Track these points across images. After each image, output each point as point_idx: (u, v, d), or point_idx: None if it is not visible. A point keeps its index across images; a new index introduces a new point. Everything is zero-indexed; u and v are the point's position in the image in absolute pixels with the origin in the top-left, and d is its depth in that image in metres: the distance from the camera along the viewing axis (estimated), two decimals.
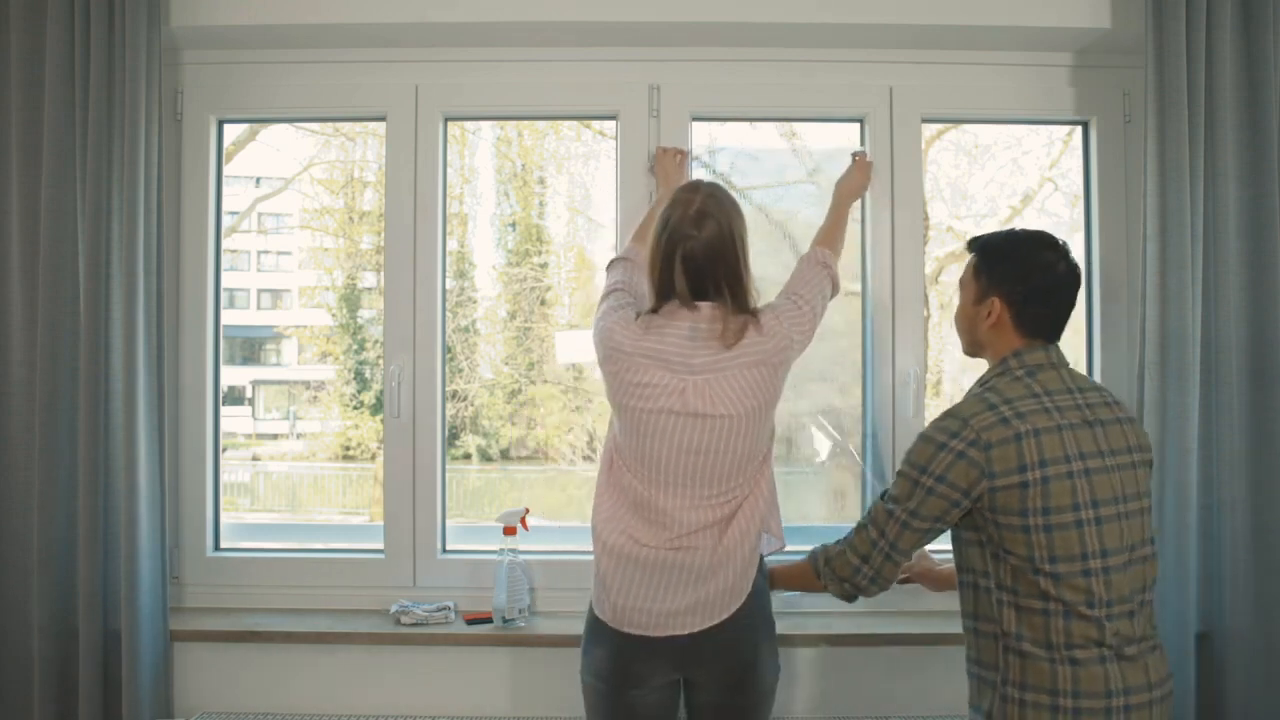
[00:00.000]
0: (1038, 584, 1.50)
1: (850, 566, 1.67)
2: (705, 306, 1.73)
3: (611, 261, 2.04)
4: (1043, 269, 1.61)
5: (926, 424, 1.66)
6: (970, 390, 1.66)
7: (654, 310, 1.75)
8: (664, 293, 1.74)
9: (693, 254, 1.70)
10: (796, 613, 2.29)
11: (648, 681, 1.75)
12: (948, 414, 1.59)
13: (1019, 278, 1.62)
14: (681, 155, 2.27)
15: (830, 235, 2.11)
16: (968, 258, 1.72)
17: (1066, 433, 1.53)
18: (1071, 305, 1.65)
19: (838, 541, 1.73)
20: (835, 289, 1.99)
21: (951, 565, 1.75)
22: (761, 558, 1.81)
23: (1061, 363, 1.64)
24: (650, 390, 1.71)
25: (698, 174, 2.37)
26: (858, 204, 2.38)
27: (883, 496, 1.66)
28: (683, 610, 1.71)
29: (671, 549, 1.71)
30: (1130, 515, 1.55)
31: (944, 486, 1.54)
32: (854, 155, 2.30)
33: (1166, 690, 1.55)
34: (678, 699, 1.83)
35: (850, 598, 1.72)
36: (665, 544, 1.71)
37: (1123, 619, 1.51)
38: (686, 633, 1.71)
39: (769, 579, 1.84)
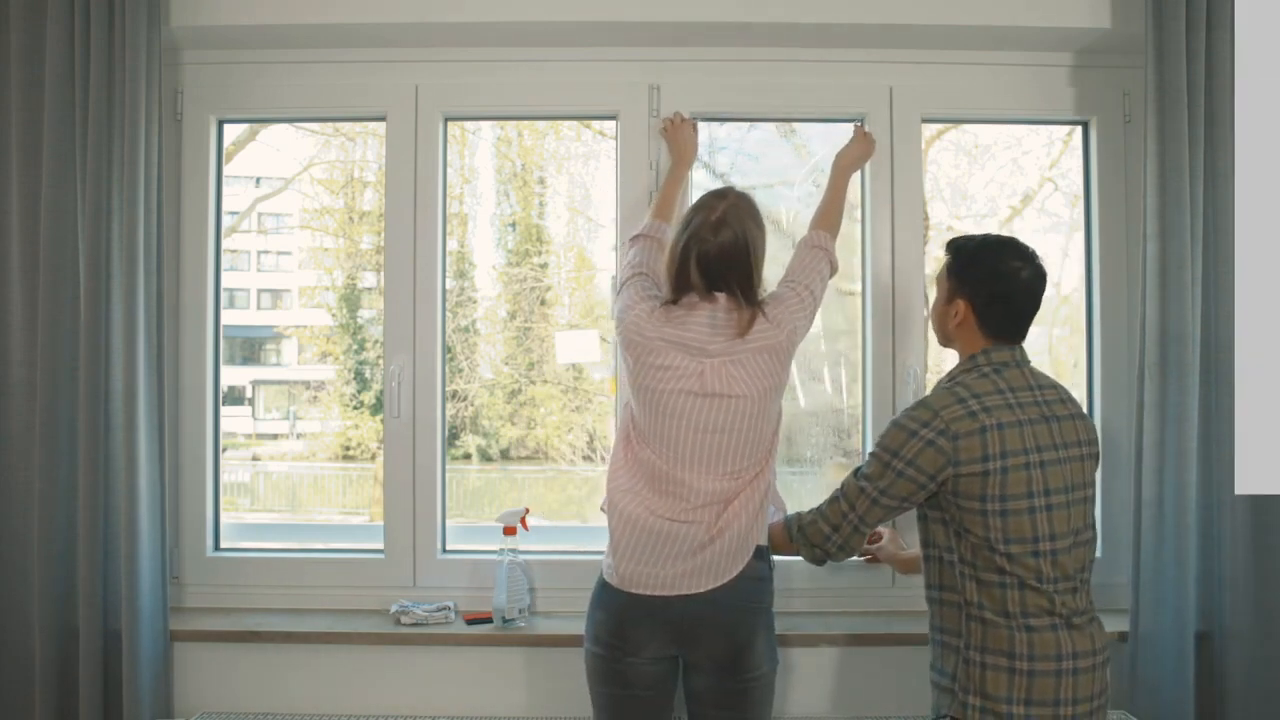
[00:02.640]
0: (994, 560, 1.65)
1: (821, 534, 1.82)
2: (721, 298, 1.85)
3: (633, 237, 2.11)
4: (1007, 276, 1.73)
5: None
6: (940, 383, 1.80)
7: (674, 301, 1.87)
8: (681, 286, 1.86)
9: (706, 255, 1.83)
10: (797, 613, 2.29)
11: (644, 650, 1.81)
12: (920, 404, 1.72)
13: (983, 283, 1.74)
14: (694, 125, 2.30)
15: (828, 214, 2.14)
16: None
17: (1026, 427, 1.67)
18: (1035, 307, 1.76)
19: (811, 510, 1.87)
20: (833, 269, 2.07)
21: (915, 551, 1.93)
22: (767, 549, 1.87)
23: (1024, 361, 1.77)
24: (670, 373, 1.82)
25: (697, 174, 2.38)
26: (857, 206, 2.39)
27: (856, 473, 1.79)
28: (689, 572, 1.80)
29: (682, 521, 1.80)
30: (1075, 503, 1.70)
31: (912, 470, 1.67)
32: (855, 126, 2.32)
33: (1107, 655, 1.70)
34: (674, 681, 1.87)
35: (819, 562, 1.86)
36: (678, 515, 1.81)
37: (1067, 594, 1.67)
38: (691, 592, 1.79)
39: None
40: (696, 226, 1.83)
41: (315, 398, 2.77)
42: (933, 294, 1.91)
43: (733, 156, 2.53)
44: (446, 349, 2.43)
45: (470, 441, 2.66)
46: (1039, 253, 1.76)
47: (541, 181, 2.67)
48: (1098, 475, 1.82)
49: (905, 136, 2.36)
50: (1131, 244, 2.33)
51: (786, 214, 2.53)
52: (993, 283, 1.73)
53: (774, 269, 1.99)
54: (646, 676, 1.83)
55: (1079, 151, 2.46)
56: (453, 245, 2.52)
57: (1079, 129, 2.46)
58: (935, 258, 2.43)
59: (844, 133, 2.33)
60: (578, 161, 2.64)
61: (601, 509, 1.92)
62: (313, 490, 2.81)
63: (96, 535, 2.11)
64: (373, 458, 2.68)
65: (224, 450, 2.48)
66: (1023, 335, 1.77)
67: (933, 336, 1.93)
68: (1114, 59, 2.36)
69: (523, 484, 2.71)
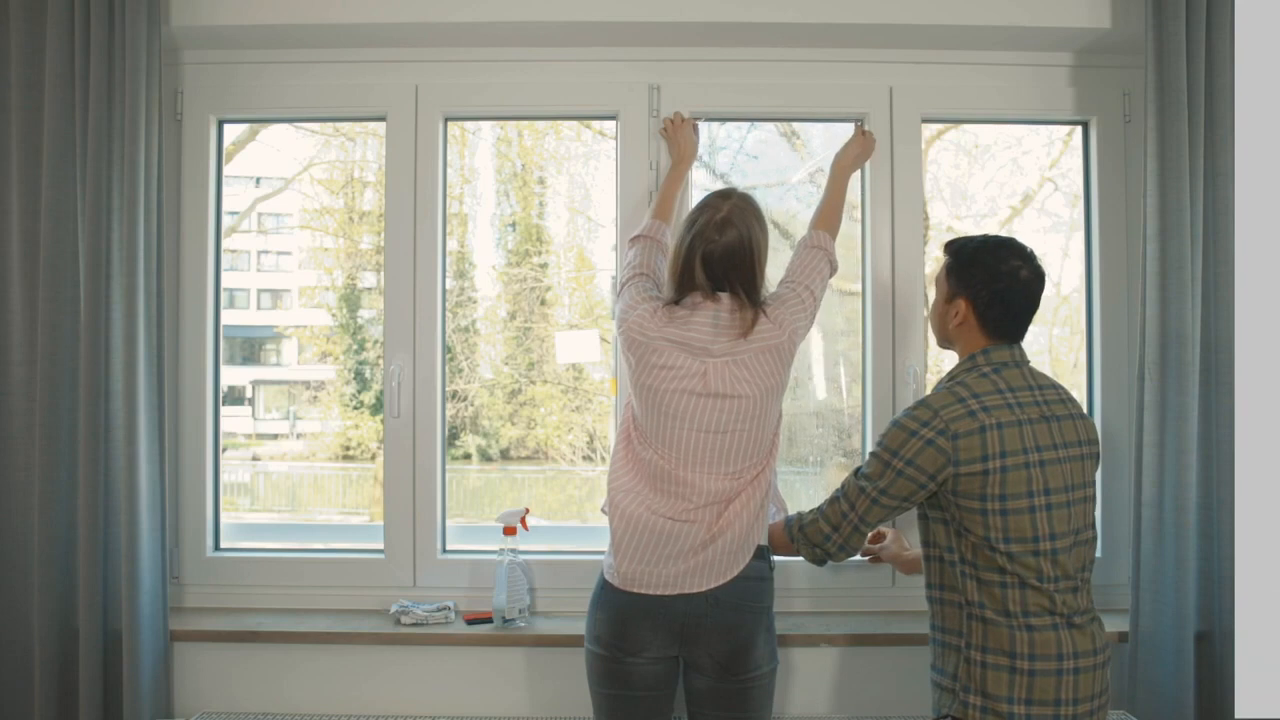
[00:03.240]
0: (994, 560, 1.66)
1: (821, 534, 1.82)
2: (725, 298, 1.85)
3: (633, 238, 2.11)
4: (1007, 275, 1.73)
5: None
6: (939, 383, 1.80)
7: (676, 301, 1.86)
8: (685, 285, 1.86)
9: (711, 255, 1.83)
10: (797, 613, 2.29)
11: (645, 650, 1.81)
12: (920, 404, 1.73)
13: (984, 283, 1.74)
14: (695, 125, 2.31)
15: (828, 213, 2.15)
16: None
17: (1026, 427, 1.68)
18: (1034, 306, 1.77)
19: (811, 510, 1.87)
20: (833, 269, 2.07)
21: (918, 551, 1.93)
22: (767, 549, 1.88)
23: (1023, 361, 1.78)
24: (673, 373, 1.82)
25: (697, 174, 2.38)
26: (857, 206, 2.39)
27: (856, 473, 1.80)
28: (689, 571, 1.80)
29: (683, 521, 1.81)
30: (1076, 502, 1.70)
31: (912, 470, 1.68)
32: (857, 125, 2.32)
33: (1108, 655, 1.71)
34: (675, 681, 1.87)
35: (820, 562, 1.86)
36: (679, 514, 1.81)
37: (1067, 593, 1.67)
38: (692, 591, 1.79)
39: None
40: (701, 226, 1.83)
41: (315, 398, 2.77)
42: (932, 295, 1.91)
43: (733, 156, 2.53)
44: (446, 349, 2.43)
45: (470, 441, 2.66)
46: (1038, 253, 1.77)
47: (541, 181, 2.67)
48: (1098, 475, 1.82)
49: (905, 136, 2.36)
50: (1131, 244, 2.33)
51: (786, 214, 2.53)
52: (993, 282, 1.73)
53: (773, 269, 1.99)
54: (647, 676, 1.83)
55: (1079, 151, 2.46)
56: (453, 245, 2.52)
57: (1079, 129, 2.46)
58: (935, 258, 2.43)
59: (844, 132, 2.33)
60: (578, 161, 2.64)
61: (602, 510, 1.92)
62: (313, 490, 2.81)
63: (96, 535, 2.10)
64: (373, 458, 2.68)
65: (224, 450, 2.48)
66: (1022, 335, 1.78)
67: (932, 337, 1.93)
68: (1114, 59, 2.36)
69: (523, 484, 2.71)
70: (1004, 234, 1.82)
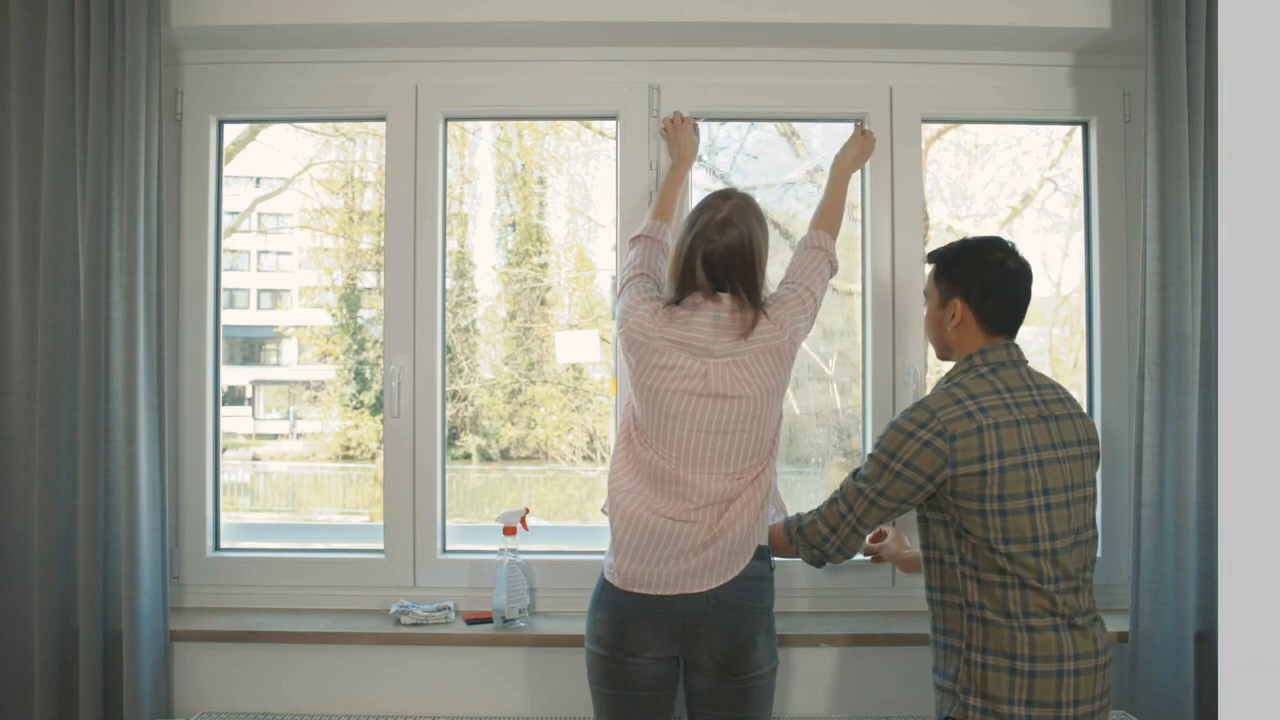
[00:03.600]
0: (994, 561, 1.66)
1: (820, 535, 1.82)
2: (725, 298, 1.85)
3: (634, 238, 2.11)
4: (995, 266, 1.76)
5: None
6: (938, 385, 1.80)
7: (677, 301, 1.86)
8: (686, 285, 1.86)
9: (712, 255, 1.83)
10: (798, 613, 2.29)
11: (645, 650, 1.81)
12: (917, 405, 1.73)
13: (975, 278, 1.76)
14: (695, 125, 2.30)
15: (828, 214, 2.14)
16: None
17: (1024, 427, 1.68)
18: (1027, 299, 1.79)
19: (810, 511, 1.87)
20: (834, 270, 2.07)
21: (918, 551, 1.91)
22: (768, 549, 1.88)
23: (1021, 360, 1.78)
24: (674, 373, 1.82)
25: (697, 175, 2.38)
26: (857, 206, 2.39)
27: (855, 474, 1.80)
28: (690, 571, 1.80)
29: (684, 521, 1.81)
30: (1075, 502, 1.70)
31: (910, 471, 1.68)
32: (857, 125, 2.32)
33: (1110, 657, 1.71)
34: (675, 681, 1.87)
35: (818, 563, 1.87)
36: (680, 514, 1.81)
37: (1069, 594, 1.67)
38: (693, 591, 1.79)
39: None
40: (702, 226, 1.83)
41: (315, 398, 2.77)
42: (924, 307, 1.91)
43: (733, 156, 2.53)
44: (446, 349, 2.43)
45: (470, 441, 2.66)
46: (1038, 253, 1.77)
47: (541, 181, 2.67)
48: (1098, 475, 1.82)
49: (905, 136, 2.36)
50: (1131, 244, 2.33)
51: (786, 214, 2.53)
52: (983, 275, 1.75)
53: (773, 269, 1.99)
54: (647, 677, 1.83)
55: (1079, 151, 2.46)
56: (453, 245, 2.52)
57: (1079, 129, 2.46)
58: None
59: (844, 132, 2.33)
60: (578, 161, 2.64)
61: (603, 511, 1.92)
62: (313, 490, 2.81)
63: (96, 535, 2.10)
64: (373, 458, 2.68)
65: (224, 450, 2.48)
66: (1017, 328, 1.79)
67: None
68: (1114, 59, 2.36)
69: (523, 484, 2.71)
70: (1001, 234, 1.83)
